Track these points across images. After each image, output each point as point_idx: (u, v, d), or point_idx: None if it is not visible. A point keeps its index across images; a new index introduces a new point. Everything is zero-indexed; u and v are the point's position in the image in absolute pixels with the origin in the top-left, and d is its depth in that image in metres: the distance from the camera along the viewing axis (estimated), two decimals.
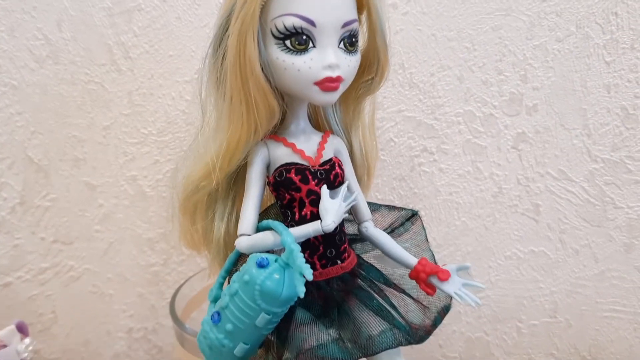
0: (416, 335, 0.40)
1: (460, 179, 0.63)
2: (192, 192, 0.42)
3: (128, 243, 0.67)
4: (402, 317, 0.41)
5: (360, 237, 0.45)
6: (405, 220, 0.47)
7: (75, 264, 0.68)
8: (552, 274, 0.65)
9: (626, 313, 0.66)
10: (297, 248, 0.36)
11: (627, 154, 0.61)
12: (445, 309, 0.43)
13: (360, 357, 0.38)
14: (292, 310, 0.38)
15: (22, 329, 0.52)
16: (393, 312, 0.41)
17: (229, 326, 0.37)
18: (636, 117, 0.60)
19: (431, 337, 0.67)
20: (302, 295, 0.34)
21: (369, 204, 0.45)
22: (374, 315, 0.39)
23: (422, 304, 0.43)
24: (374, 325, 0.39)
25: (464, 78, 0.60)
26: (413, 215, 0.47)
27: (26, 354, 0.51)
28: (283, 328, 0.38)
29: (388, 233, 0.45)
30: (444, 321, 0.66)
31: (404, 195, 0.63)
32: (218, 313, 0.38)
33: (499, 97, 0.60)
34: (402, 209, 0.47)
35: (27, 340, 0.52)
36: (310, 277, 0.35)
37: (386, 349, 0.38)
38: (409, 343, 0.39)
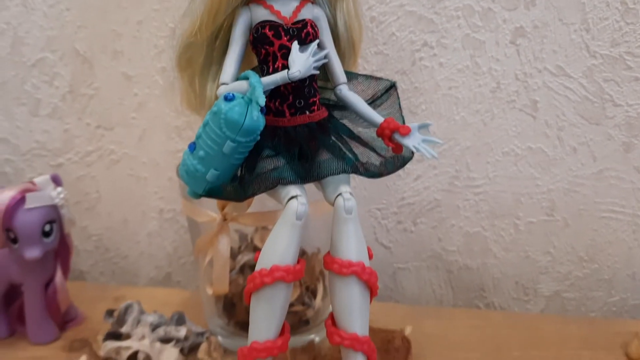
0: (366, 170, 0.44)
1: (460, 73, 0.65)
2: (183, 49, 0.49)
3: (159, 130, 0.75)
4: (359, 160, 0.45)
5: (340, 104, 0.49)
6: (384, 92, 0.51)
7: (115, 148, 0.77)
8: (549, 171, 0.67)
9: (625, 214, 0.67)
10: (259, 85, 0.42)
11: (627, 49, 0.61)
12: (403, 160, 0.47)
13: (309, 181, 0.43)
14: (260, 148, 0.44)
15: (55, 180, 0.61)
16: (351, 155, 0.45)
17: (201, 153, 0.43)
18: (636, 11, 0.60)
19: (430, 231, 0.72)
20: (261, 124, 0.40)
21: (347, 72, 0.49)
22: (331, 152, 0.44)
23: (382, 156, 0.47)
24: (326, 155, 0.43)
25: None
26: (391, 86, 0.51)
27: (58, 200, 0.60)
28: (250, 162, 0.44)
29: (369, 104, 0.49)
30: (443, 215, 0.70)
31: (405, 89, 0.67)
32: (194, 142, 0.45)
33: None
34: (380, 79, 0.51)
35: (59, 189, 0.61)
36: (262, 103, 0.40)
37: (332, 174, 0.42)
38: (355, 171, 0.43)
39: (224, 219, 0.53)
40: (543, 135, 0.66)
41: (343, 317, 0.41)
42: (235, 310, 0.59)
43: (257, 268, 0.40)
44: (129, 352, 0.55)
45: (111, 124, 0.76)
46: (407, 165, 0.68)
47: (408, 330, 0.58)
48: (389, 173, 0.46)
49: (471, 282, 0.73)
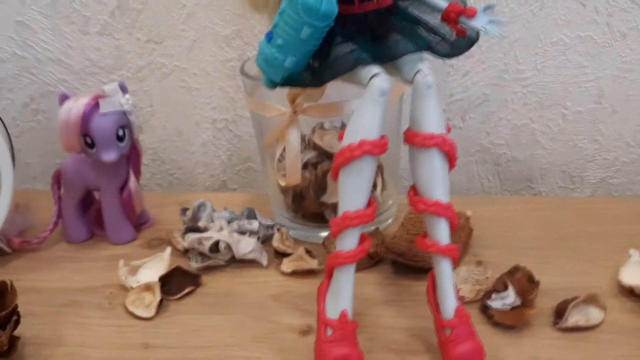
0: (439, 50, 0.46)
1: None
2: None
3: (208, 40, 0.76)
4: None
5: None
6: None
7: (166, 62, 0.78)
8: (598, 59, 0.68)
9: None
10: None
11: None
12: (470, 42, 0.48)
13: (386, 60, 0.45)
14: (332, 35, 0.46)
15: (122, 87, 0.64)
16: (424, 35, 0.46)
17: (279, 41, 0.45)
18: None
19: (479, 126, 0.74)
20: (336, 8, 0.42)
21: None
22: (403, 34, 0.46)
23: (448, 40, 0.48)
24: (399, 36, 0.45)
25: None
26: None
27: (127, 106, 0.63)
28: (324, 50, 0.46)
29: None
30: (491, 109, 0.72)
31: None
32: (271, 32, 0.46)
33: None
34: None
35: (127, 95, 0.63)
36: None
37: (409, 52, 0.44)
38: (430, 49, 0.45)
39: (294, 112, 0.56)
40: (592, 23, 0.67)
41: (426, 187, 0.44)
42: (303, 202, 0.63)
43: (345, 144, 0.43)
44: (211, 241, 0.59)
45: (160, 37, 0.77)
46: (455, 62, 0.70)
47: (469, 212, 0.61)
48: (460, 53, 0.47)
49: (519, 174, 0.76)
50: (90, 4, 0.77)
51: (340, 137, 0.44)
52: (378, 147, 0.43)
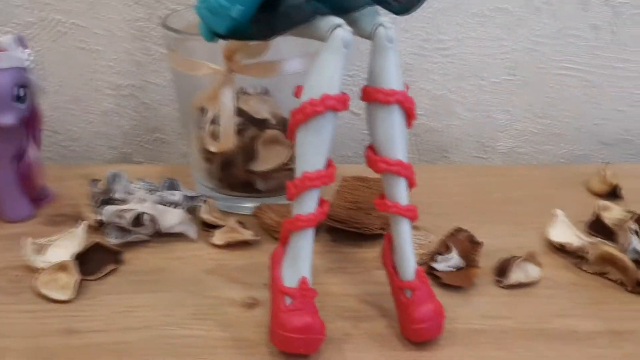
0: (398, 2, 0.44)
1: None
2: None
3: None
4: None
5: None
6: None
7: (62, 18, 0.70)
8: (514, 32, 0.70)
9: (577, 71, 0.72)
10: None
11: None
12: None
13: (344, 12, 0.42)
14: None
15: (21, 41, 0.55)
16: None
17: None
18: None
19: None
20: None
21: None
22: None
23: None
24: None
25: None
26: None
27: (28, 63, 0.55)
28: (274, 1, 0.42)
29: None
30: (413, 78, 0.71)
31: None
32: None
33: None
34: None
35: (27, 50, 0.55)
36: None
37: (367, 3, 0.42)
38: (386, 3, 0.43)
39: (230, 70, 0.51)
40: None
41: (386, 145, 0.43)
42: (231, 170, 0.59)
43: (305, 99, 0.40)
44: (132, 214, 0.53)
45: None
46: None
47: None
48: (419, 5, 0.46)
49: (436, 144, 0.77)
50: None
51: (297, 93, 0.41)
52: (341, 103, 0.40)
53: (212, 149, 0.55)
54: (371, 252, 0.53)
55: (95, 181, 0.59)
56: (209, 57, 0.53)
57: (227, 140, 0.53)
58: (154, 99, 0.74)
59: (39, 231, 0.56)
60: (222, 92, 0.52)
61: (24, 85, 0.55)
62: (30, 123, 0.58)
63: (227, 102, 0.52)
